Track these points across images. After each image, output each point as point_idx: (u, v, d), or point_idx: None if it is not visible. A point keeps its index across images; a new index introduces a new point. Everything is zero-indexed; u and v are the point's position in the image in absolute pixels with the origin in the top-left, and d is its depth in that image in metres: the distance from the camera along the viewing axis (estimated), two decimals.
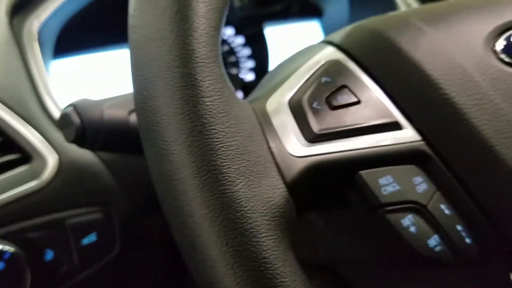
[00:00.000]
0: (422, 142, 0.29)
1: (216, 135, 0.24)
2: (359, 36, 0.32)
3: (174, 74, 0.25)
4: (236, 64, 0.84)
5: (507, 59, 0.30)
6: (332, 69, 0.31)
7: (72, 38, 0.63)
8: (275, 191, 0.25)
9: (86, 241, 0.50)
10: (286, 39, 0.87)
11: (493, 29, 0.31)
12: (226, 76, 0.27)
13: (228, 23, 0.82)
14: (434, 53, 0.29)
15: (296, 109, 0.29)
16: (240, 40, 0.83)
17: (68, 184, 0.49)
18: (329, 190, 0.29)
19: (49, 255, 0.48)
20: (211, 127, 0.24)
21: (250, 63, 0.84)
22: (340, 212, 0.31)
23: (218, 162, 0.24)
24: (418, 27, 0.31)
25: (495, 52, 0.30)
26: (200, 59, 0.25)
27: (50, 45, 0.60)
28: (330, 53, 0.32)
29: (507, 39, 0.30)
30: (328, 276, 0.42)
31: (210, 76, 0.25)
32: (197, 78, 0.25)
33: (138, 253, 0.55)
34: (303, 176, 0.27)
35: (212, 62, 0.25)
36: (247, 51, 0.84)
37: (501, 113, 0.28)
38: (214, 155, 0.24)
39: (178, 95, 0.24)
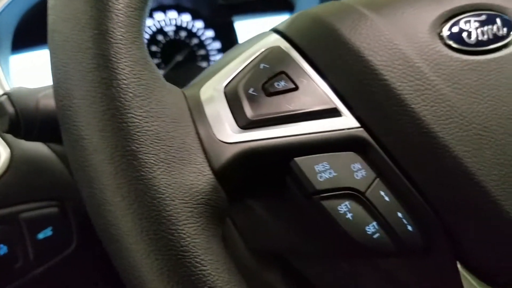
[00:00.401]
0: (361, 129, 0.28)
1: (132, 119, 0.23)
2: (302, 23, 0.32)
3: (86, 55, 0.23)
4: (206, 57, 0.83)
5: (454, 45, 0.29)
6: (271, 56, 0.30)
7: (32, 33, 0.62)
8: (200, 178, 0.24)
9: (41, 235, 0.49)
10: (256, 32, 0.86)
11: (440, 15, 0.30)
12: (149, 59, 0.26)
13: (198, 17, 0.81)
14: (375, 38, 0.29)
15: (231, 95, 0.28)
16: (210, 33, 0.83)
17: (21, 178, 0.48)
18: (265, 177, 0.28)
19: (3, 250, 0.47)
20: (126, 111, 0.23)
21: (220, 57, 0.83)
22: (278, 200, 0.30)
23: (134, 147, 0.23)
24: (361, 13, 0.30)
25: (441, 37, 0.30)
26: (115, 39, 0.24)
27: (7, 39, 0.59)
28: (273, 40, 0.32)
29: (455, 24, 0.30)
30: (282, 265, 0.41)
31: (126, 57, 0.24)
32: (110, 60, 0.23)
33: (95, 248, 0.54)
34: (233, 163, 0.26)
35: (129, 43, 0.24)
36: (217, 45, 0.83)
37: (444, 99, 0.28)
38: (130, 140, 0.23)
39: (89, 77, 0.23)
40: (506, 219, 0.27)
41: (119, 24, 0.24)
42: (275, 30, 0.33)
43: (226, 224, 0.42)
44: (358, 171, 0.28)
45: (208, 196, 0.24)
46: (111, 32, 0.24)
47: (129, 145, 0.23)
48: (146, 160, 0.23)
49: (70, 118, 0.24)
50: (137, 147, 0.23)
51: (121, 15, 0.24)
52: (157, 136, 0.24)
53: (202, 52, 0.83)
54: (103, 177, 0.23)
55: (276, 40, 0.32)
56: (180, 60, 0.80)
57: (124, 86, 0.23)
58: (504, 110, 0.28)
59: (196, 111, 0.27)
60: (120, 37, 0.24)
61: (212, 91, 0.29)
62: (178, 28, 0.80)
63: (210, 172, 0.25)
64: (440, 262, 0.29)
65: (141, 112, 0.23)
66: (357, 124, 0.28)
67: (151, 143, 0.23)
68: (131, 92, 0.23)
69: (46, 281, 0.50)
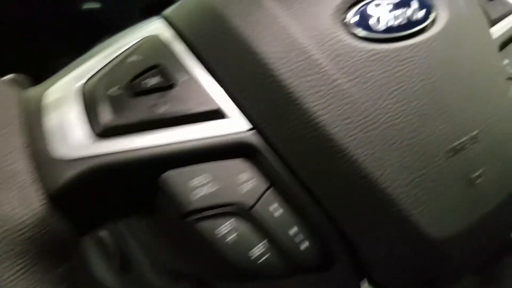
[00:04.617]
0: (249, 133, 0.24)
1: None
2: (189, 7, 0.27)
3: None
4: None
5: (361, 34, 0.25)
6: (145, 47, 0.25)
7: None
8: (26, 207, 0.19)
9: None
10: None
11: (344, 0, 0.26)
12: None
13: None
14: (268, 28, 0.25)
15: (88, 97, 0.23)
16: None
17: None
18: (131, 196, 0.23)
19: None
20: None
21: None
22: (152, 221, 0.25)
23: None
24: None
25: (346, 25, 0.26)
26: None
27: None
28: (154, 28, 0.27)
29: (362, 11, 0.26)
30: (191, 281, 0.38)
31: None
32: None
33: None
34: (78, 183, 0.21)
35: None
36: None
37: (344, 95, 0.24)
38: None
39: None
40: (415, 230, 0.24)
41: None
42: (163, 16, 0.28)
43: (128, 246, 0.37)
44: (244, 182, 0.24)
45: (37, 229, 0.19)
46: None
47: None
48: None
49: None
50: None
51: None
52: None
53: None
54: None
55: (157, 28, 0.27)
56: None
57: None
58: (415, 105, 0.25)
59: (31, 118, 0.22)
60: None
61: (62, 92, 0.24)
62: None
63: (41, 198, 0.20)
64: (342, 279, 0.26)
65: None
66: (244, 127, 0.24)
67: None
68: None
69: None
